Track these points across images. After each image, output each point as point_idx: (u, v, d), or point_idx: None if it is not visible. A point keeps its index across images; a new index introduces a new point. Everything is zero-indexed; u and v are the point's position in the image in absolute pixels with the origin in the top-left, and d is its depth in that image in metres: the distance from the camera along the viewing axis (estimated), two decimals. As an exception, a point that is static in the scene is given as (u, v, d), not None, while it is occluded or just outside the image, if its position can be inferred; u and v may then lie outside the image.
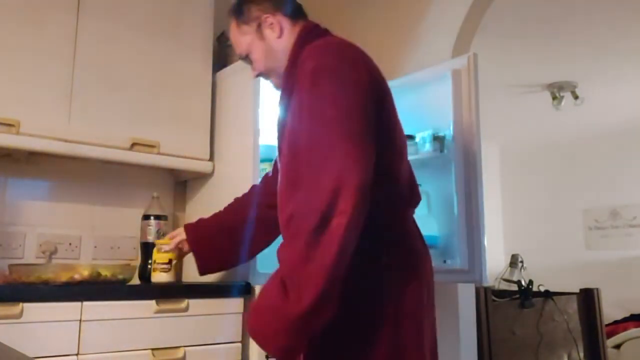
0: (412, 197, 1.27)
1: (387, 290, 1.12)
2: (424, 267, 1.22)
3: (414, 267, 1.19)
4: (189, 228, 1.72)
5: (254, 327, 1.03)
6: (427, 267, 1.24)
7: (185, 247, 1.72)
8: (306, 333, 0.99)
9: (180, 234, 1.73)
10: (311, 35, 1.28)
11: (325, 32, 1.31)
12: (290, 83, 1.23)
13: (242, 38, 1.36)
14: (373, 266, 1.12)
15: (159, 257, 1.83)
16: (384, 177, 1.09)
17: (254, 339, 1.03)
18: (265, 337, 1.01)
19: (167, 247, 1.76)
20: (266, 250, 1.72)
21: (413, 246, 1.22)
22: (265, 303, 1.02)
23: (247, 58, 1.38)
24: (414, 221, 1.28)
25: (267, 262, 1.86)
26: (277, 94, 1.34)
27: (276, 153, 1.35)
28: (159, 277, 1.84)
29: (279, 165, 1.29)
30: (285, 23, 1.31)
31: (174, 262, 1.85)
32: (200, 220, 1.74)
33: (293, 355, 1.02)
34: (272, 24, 1.31)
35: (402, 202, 1.23)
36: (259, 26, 1.32)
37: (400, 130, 1.26)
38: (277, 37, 1.31)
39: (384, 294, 1.12)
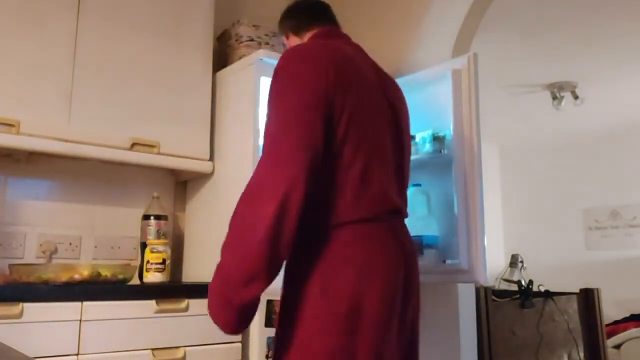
0: (379, 210, 1.16)
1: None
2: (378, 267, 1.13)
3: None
4: None
5: (209, 310, 1.13)
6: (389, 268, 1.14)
7: None
8: (232, 307, 1.07)
9: None
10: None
11: (317, 36, 1.36)
12: None
13: None
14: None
15: (153, 257, 1.85)
16: (332, 185, 1.09)
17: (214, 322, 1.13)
18: (213, 316, 1.12)
19: (161, 248, 1.77)
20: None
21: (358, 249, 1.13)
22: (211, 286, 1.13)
23: None
24: (380, 232, 1.16)
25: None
26: None
27: None
28: (154, 277, 1.85)
29: None
30: (295, 42, 1.44)
31: (167, 261, 1.87)
32: None
33: (238, 328, 1.11)
34: (287, 42, 1.48)
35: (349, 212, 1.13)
36: (284, 43, 1.51)
37: (373, 136, 1.19)
38: None
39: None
